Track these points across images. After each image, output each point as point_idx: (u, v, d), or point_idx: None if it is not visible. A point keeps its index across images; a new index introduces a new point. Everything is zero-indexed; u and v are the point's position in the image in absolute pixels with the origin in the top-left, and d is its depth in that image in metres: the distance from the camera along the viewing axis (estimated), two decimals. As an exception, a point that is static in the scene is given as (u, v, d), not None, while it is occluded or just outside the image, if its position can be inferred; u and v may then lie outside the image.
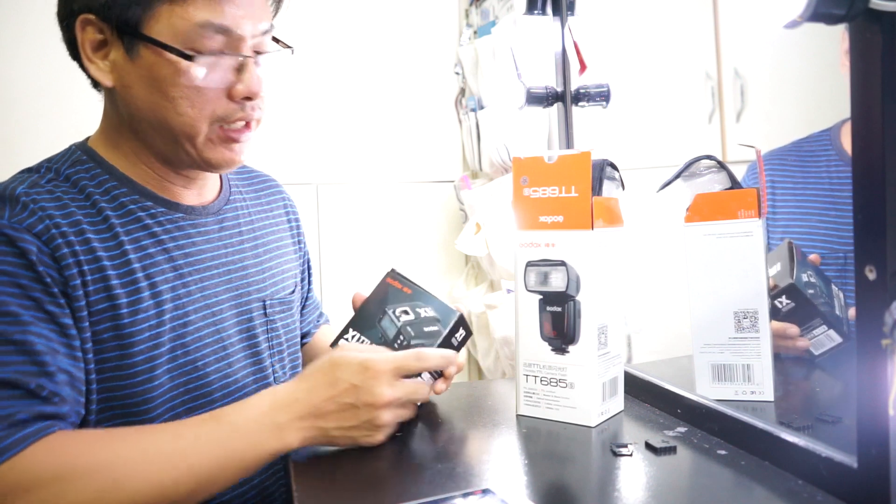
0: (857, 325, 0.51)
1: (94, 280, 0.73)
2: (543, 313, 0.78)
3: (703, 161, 0.82)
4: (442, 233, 2.47)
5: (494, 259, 2.08)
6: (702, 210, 0.79)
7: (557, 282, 0.76)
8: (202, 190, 0.88)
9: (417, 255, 2.43)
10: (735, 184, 0.81)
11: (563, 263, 0.76)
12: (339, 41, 2.34)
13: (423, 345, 0.79)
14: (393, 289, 0.84)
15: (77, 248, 0.72)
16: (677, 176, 0.83)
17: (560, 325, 0.76)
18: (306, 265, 1.07)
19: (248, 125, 0.80)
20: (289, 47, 0.83)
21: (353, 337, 0.83)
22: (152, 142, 0.79)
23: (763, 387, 0.77)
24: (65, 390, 0.68)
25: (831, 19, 0.48)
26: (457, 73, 2.47)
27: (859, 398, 0.52)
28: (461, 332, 0.83)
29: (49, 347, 0.68)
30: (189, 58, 0.73)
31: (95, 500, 0.62)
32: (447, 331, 0.81)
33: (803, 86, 1.12)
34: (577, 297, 0.75)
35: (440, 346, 0.79)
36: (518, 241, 0.79)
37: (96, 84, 0.81)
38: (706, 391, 0.79)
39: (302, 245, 1.05)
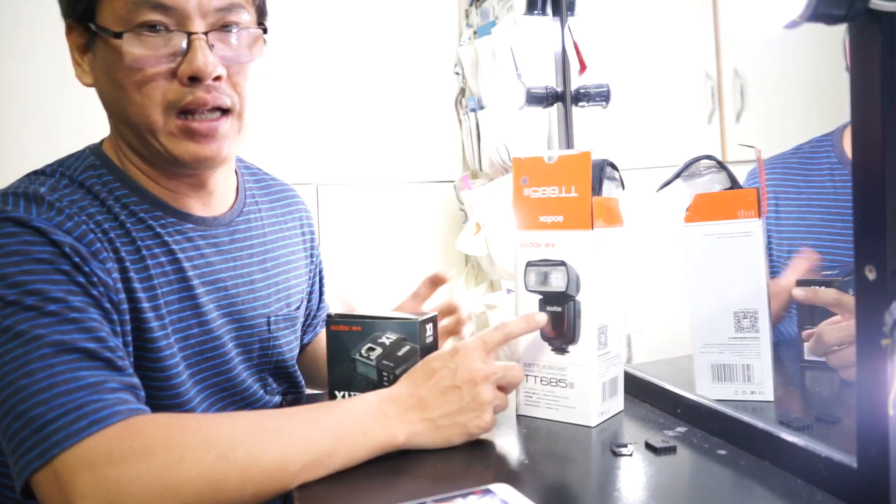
0: (857, 326, 0.51)
1: (124, 279, 0.73)
2: (543, 313, 0.78)
3: (703, 161, 0.82)
4: (442, 233, 2.47)
5: (494, 259, 2.08)
6: (702, 210, 0.79)
7: (557, 282, 0.77)
8: (214, 200, 0.85)
9: (417, 255, 2.43)
10: (735, 184, 0.81)
11: (563, 263, 0.76)
12: (339, 41, 2.34)
13: (407, 369, 0.75)
14: (343, 334, 0.79)
15: (107, 245, 0.72)
16: (677, 176, 0.83)
17: (560, 325, 0.76)
18: (318, 277, 1.05)
19: (217, 118, 0.76)
20: (261, 26, 0.79)
21: (342, 396, 0.78)
22: (129, 140, 0.78)
23: (763, 387, 0.77)
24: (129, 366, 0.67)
25: (831, 19, 0.48)
26: (457, 74, 2.47)
27: (859, 398, 0.52)
28: (429, 329, 0.79)
29: (102, 326, 0.67)
30: (118, 35, 0.71)
31: (209, 470, 0.60)
32: (419, 342, 0.77)
33: (803, 86, 1.12)
34: (577, 297, 0.75)
35: (423, 357, 0.75)
36: (518, 241, 0.79)
37: None
38: (706, 391, 0.79)
39: (314, 259, 1.03)
